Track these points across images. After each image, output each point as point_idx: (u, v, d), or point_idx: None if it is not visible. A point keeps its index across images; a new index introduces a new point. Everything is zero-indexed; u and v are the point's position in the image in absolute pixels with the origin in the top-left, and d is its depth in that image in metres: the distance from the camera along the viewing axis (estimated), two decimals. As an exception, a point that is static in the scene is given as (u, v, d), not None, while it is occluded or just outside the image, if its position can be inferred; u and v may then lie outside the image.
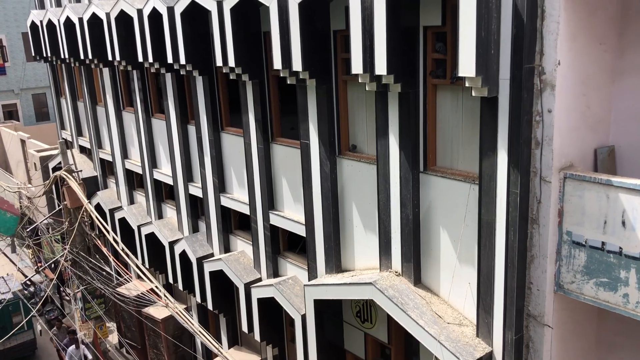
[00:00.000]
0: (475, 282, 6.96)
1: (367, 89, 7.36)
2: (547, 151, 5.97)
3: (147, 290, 13.51)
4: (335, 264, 9.07)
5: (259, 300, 10.62)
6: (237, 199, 11.34)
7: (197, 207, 13.04)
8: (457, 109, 7.04)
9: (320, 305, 9.06)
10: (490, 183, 6.40)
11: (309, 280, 9.63)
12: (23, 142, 23.70)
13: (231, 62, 9.43)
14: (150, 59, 11.47)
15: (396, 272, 8.00)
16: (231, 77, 9.83)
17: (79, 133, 17.96)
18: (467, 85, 5.95)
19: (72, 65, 16.03)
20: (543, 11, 5.70)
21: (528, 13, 5.70)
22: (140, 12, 11.36)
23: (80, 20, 13.64)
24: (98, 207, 16.19)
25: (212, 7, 9.41)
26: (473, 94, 6.04)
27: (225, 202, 11.67)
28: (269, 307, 10.74)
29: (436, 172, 7.29)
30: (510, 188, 6.22)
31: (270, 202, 10.38)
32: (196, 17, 10.35)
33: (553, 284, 6.28)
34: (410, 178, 7.41)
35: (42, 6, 18.15)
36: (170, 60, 10.83)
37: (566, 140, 6.02)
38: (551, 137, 5.90)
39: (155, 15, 11.03)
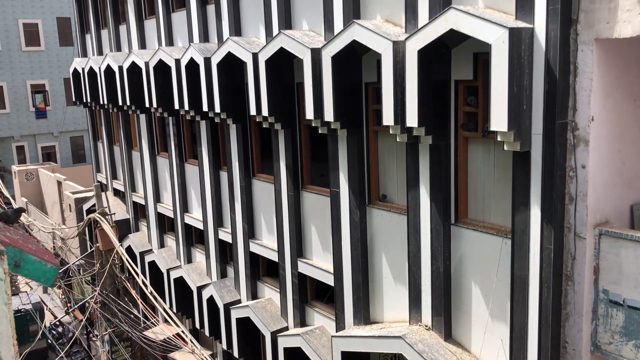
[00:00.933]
0: (508, 339, 6.78)
1: (397, 140, 7.41)
2: (581, 207, 5.88)
3: (173, 335, 13.49)
4: (364, 315, 8.94)
5: (286, 349, 10.49)
6: (266, 245, 11.37)
7: (226, 252, 13.10)
8: (489, 162, 7.02)
9: (348, 357, 8.90)
10: (523, 237, 6.31)
11: (336, 331, 9.50)
12: (59, 183, 24.33)
13: (264, 112, 9.63)
14: (186, 107, 11.79)
15: (426, 326, 7.85)
16: (264, 126, 10.02)
17: (114, 176, 18.39)
18: (499, 139, 5.95)
19: (110, 110, 16.56)
20: (576, 68, 5.72)
21: (560, 69, 5.73)
22: (178, 62, 11.75)
23: (120, 68, 14.16)
24: (129, 250, 16.39)
25: (247, 58, 9.69)
26: (505, 148, 6.03)
27: (254, 248, 11.71)
28: (296, 357, 10.59)
29: (468, 225, 7.23)
30: (544, 243, 6.11)
31: (299, 250, 10.38)
32: (232, 68, 10.65)
33: (589, 344, 6.07)
34: (442, 230, 7.36)
35: (84, 54, 18.93)
36: (205, 108, 11.11)
37: (601, 196, 5.93)
38: (585, 193, 5.83)
39: (192, 65, 11.40)
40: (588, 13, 5.54)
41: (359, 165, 8.67)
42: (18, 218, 3.68)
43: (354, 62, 8.32)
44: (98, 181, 18.74)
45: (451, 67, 7.07)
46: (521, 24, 5.85)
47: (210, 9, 11.67)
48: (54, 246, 18.67)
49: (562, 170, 5.96)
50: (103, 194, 15.32)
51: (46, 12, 32.38)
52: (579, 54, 5.67)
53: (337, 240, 9.21)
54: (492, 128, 5.87)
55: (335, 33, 8.39)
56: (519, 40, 5.70)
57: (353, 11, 8.18)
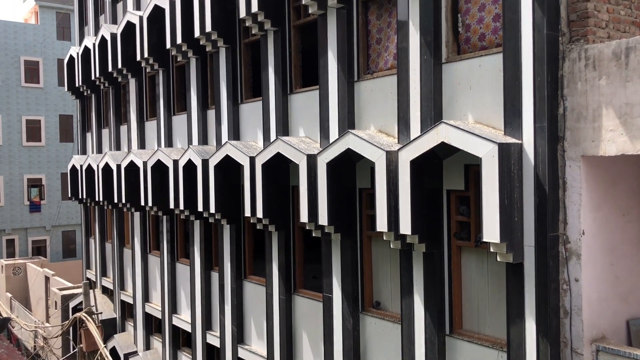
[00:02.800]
0: None
1: (391, 246, 7.43)
2: (576, 321, 5.81)
3: None
4: None
5: None
6: (255, 351, 11.02)
7: (213, 357, 12.65)
8: (483, 272, 7.01)
9: None
10: (518, 351, 6.17)
11: None
12: (47, 279, 23.89)
13: (259, 214, 9.70)
14: (181, 207, 11.87)
15: None
16: (258, 227, 10.05)
17: (104, 273, 18.11)
18: (491, 250, 5.98)
19: (105, 207, 16.62)
20: (565, 182, 5.87)
21: (550, 184, 5.88)
22: (176, 162, 11.98)
23: (119, 167, 14.40)
24: (113, 351, 15.81)
25: (244, 162, 9.90)
26: (498, 259, 6.05)
27: (242, 353, 11.33)
28: None
29: (462, 336, 7.08)
30: (540, 358, 5.97)
31: (289, 357, 10.05)
32: (229, 170, 10.85)
33: None
34: (436, 341, 7.19)
35: (84, 152, 19.30)
36: (200, 208, 11.19)
37: (596, 311, 5.88)
38: (580, 307, 5.78)
39: (190, 166, 11.62)
40: (574, 131, 5.78)
41: (353, 270, 8.62)
42: (4, 329, 3.58)
43: (349, 169, 8.52)
44: (87, 278, 18.43)
45: (443, 177, 7.24)
46: (510, 140, 6.08)
47: (211, 113, 12.08)
48: (34, 345, 17.98)
49: (556, 283, 5.95)
50: (91, 291, 15.02)
51: (50, 110, 33.35)
52: (567, 169, 5.85)
53: (328, 348, 8.96)
54: (485, 239, 5.93)
55: (331, 140, 8.66)
56: (509, 155, 5.89)
57: (348, 120, 8.49)
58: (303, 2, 8.89)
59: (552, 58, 5.93)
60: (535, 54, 5.96)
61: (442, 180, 7.24)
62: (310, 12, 8.92)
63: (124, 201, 14.29)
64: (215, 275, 12.33)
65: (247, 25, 10.21)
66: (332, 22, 8.73)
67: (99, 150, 17.95)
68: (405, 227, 6.94)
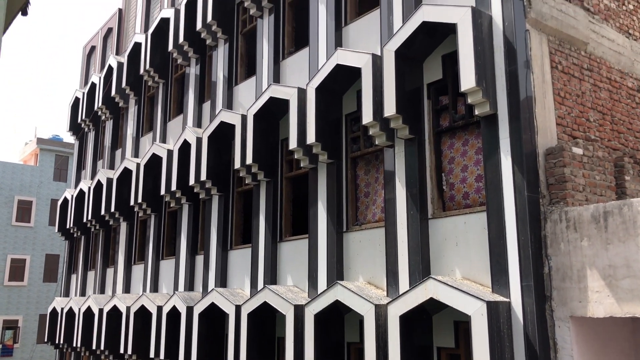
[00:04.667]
0: None
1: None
2: None
3: None
4: None
5: None
6: None
7: None
8: None
9: None
10: None
11: None
12: None
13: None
14: (162, 356, 11.40)
15: None
16: (241, 382, 9.60)
17: None
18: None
19: (82, 354, 15.90)
20: (555, 343, 5.79)
21: (540, 344, 5.79)
22: (160, 309, 11.71)
23: (101, 311, 14.02)
24: None
25: (230, 310, 9.70)
26: None
27: None
28: None
29: None
30: None
31: None
32: (213, 318, 10.58)
33: None
34: None
35: (67, 294, 18.88)
36: (181, 358, 10.74)
37: None
38: None
39: (174, 313, 11.34)
40: (560, 291, 5.82)
41: None
42: None
43: (337, 321, 8.36)
44: None
45: (433, 334, 7.11)
46: (498, 298, 6.09)
47: (199, 258, 12.08)
48: None
49: None
50: None
51: (37, 248, 33.08)
52: (556, 329, 5.80)
53: None
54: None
55: (319, 290, 8.61)
56: (497, 314, 5.87)
57: (337, 271, 8.51)
58: (295, 157, 9.32)
59: (534, 218, 6.14)
60: (517, 214, 6.18)
61: (432, 336, 7.11)
62: (302, 165, 9.32)
63: (102, 348, 13.71)
64: None
65: (240, 175, 10.59)
66: (322, 175, 9.10)
67: (83, 292, 17.58)
68: (395, 385, 6.68)
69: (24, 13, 4.36)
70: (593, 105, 7.32)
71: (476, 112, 6.73)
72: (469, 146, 7.30)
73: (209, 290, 11.09)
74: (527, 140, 6.33)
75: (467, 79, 6.53)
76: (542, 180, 6.31)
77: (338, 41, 9.33)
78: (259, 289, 9.85)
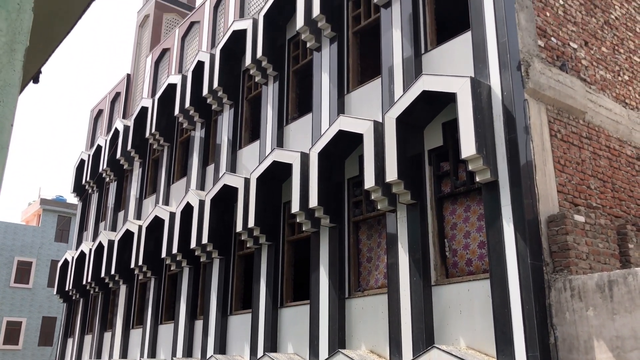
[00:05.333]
0: None
1: None
2: None
3: None
4: None
5: None
6: None
7: None
8: None
9: None
10: None
11: None
12: None
13: None
14: None
15: None
16: None
17: None
18: None
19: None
20: (564, 418, 5.60)
21: (549, 418, 5.60)
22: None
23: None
24: None
25: (229, 379, 9.46)
26: None
27: None
28: None
29: None
30: None
31: None
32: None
33: None
34: None
35: (62, 358, 18.43)
36: None
37: None
38: None
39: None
40: (567, 362, 5.68)
41: None
42: None
43: (338, 391, 8.11)
44: None
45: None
46: None
47: (199, 323, 11.86)
48: None
49: None
50: None
51: (33, 311, 32.52)
52: (565, 403, 5.62)
53: None
54: None
55: (321, 359, 8.39)
56: (504, 386, 5.70)
57: (339, 338, 8.34)
58: (297, 220, 9.33)
59: (538, 287, 6.07)
60: (521, 282, 6.12)
61: (436, 408, 6.88)
62: (304, 229, 9.31)
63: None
64: None
65: (242, 238, 10.56)
66: (324, 239, 9.07)
67: (79, 357, 17.16)
68: None
69: (36, 81, 4.47)
70: (593, 173, 7.38)
71: (477, 179, 6.79)
72: (470, 212, 7.31)
73: (208, 357, 10.83)
74: (528, 207, 6.35)
75: (468, 147, 6.62)
76: (545, 247, 6.28)
77: (340, 108, 9.53)
78: (258, 357, 9.61)
